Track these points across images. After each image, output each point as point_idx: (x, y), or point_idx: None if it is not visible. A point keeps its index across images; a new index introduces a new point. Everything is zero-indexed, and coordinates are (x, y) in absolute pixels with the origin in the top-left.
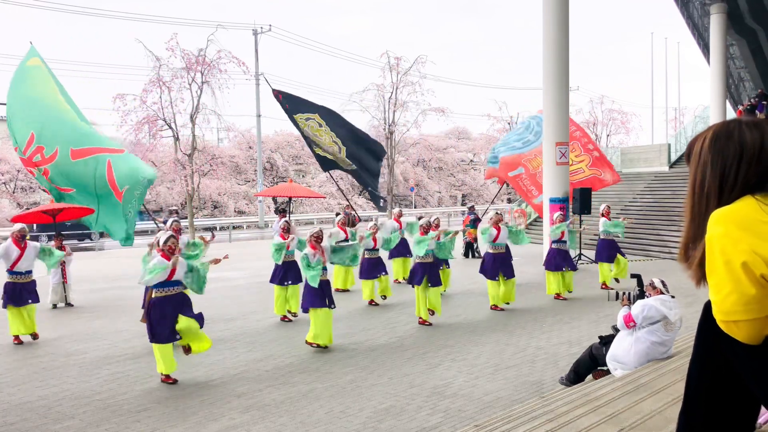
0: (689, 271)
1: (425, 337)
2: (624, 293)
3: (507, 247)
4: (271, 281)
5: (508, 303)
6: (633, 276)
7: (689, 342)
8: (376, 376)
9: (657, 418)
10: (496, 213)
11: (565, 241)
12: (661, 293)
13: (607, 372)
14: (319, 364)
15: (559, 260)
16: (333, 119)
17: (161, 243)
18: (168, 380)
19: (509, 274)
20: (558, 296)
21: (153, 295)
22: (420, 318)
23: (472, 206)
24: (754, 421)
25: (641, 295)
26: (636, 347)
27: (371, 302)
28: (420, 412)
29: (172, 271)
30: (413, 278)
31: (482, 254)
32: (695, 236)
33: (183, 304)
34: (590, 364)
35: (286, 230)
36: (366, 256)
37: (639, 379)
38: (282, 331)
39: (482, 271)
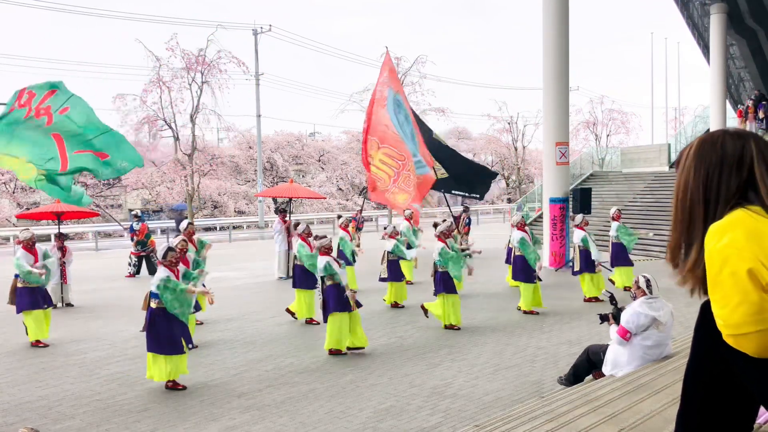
0: (679, 277)
1: (425, 337)
2: (609, 315)
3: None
4: (294, 286)
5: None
6: (607, 293)
7: (689, 342)
8: (376, 376)
9: (657, 418)
10: (522, 216)
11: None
12: (645, 294)
13: None
14: (319, 364)
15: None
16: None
17: (160, 256)
18: (177, 386)
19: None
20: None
21: (152, 306)
22: (451, 324)
23: (467, 207)
24: (752, 421)
25: (618, 312)
26: (632, 354)
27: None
28: (420, 412)
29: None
30: (446, 287)
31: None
32: (679, 242)
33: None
34: (588, 367)
35: (309, 234)
36: (389, 258)
37: (639, 379)
38: (282, 331)
39: (518, 276)
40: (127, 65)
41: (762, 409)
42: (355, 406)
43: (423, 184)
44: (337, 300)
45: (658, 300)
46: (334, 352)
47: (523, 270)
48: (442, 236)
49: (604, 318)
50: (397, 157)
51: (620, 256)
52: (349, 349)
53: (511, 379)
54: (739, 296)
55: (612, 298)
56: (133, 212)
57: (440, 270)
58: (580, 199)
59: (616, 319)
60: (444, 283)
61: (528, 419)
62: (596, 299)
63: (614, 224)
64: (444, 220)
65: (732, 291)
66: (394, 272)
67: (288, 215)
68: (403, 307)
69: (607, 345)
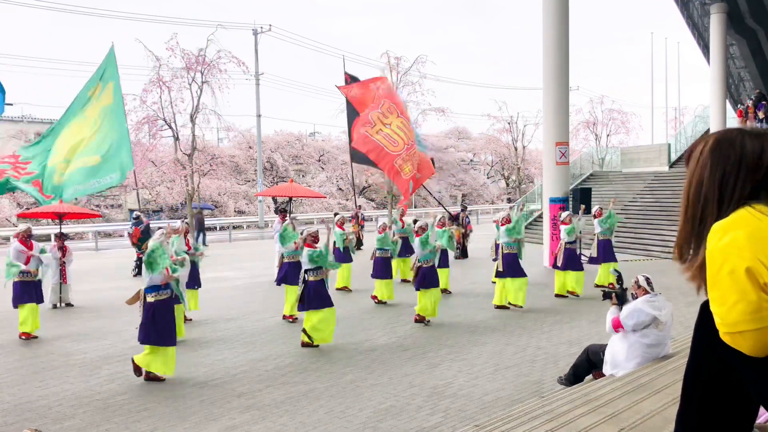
0: (687, 274)
1: (425, 337)
2: (612, 293)
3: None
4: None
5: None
6: (615, 272)
7: (689, 342)
8: (376, 376)
9: (657, 418)
10: (508, 214)
11: (574, 241)
12: (647, 292)
13: None
14: (319, 364)
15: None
16: None
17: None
18: (158, 378)
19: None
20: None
21: (148, 300)
22: (419, 316)
23: (465, 206)
24: (752, 421)
25: (623, 292)
26: (631, 353)
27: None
28: (420, 411)
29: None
30: (430, 281)
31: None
32: (689, 238)
33: (173, 309)
34: (588, 367)
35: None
36: (378, 255)
37: (639, 379)
38: (282, 331)
39: (507, 272)
40: (127, 65)
41: (762, 409)
42: (355, 406)
43: (423, 164)
44: (317, 296)
45: (659, 299)
46: (305, 345)
47: (513, 265)
48: (421, 231)
49: (607, 295)
50: (409, 133)
51: (606, 251)
52: (303, 344)
53: (511, 379)
54: (737, 295)
55: (619, 278)
56: (133, 214)
57: (425, 266)
58: (580, 199)
59: (619, 298)
60: (427, 278)
61: (528, 419)
62: (570, 293)
63: (596, 221)
64: (437, 216)
65: (730, 289)
66: (378, 269)
67: (288, 215)
68: (385, 303)
69: (607, 345)
